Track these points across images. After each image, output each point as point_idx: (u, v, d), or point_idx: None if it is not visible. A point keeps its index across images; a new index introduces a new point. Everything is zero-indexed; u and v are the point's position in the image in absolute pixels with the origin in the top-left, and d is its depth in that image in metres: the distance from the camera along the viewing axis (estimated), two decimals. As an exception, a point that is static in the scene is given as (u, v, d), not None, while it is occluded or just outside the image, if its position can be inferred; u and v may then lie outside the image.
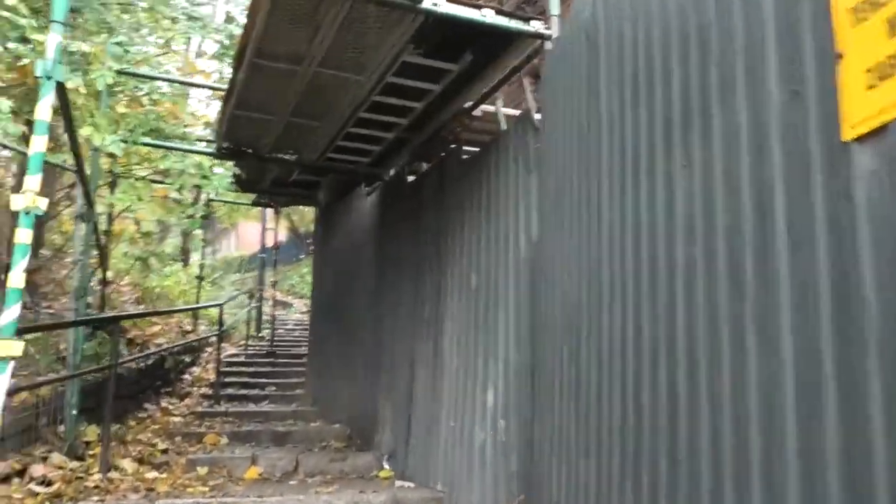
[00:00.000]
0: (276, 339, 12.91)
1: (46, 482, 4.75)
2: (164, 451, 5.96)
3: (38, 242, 8.01)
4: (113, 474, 5.07)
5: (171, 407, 7.93)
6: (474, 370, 4.53)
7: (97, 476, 4.96)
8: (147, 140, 6.29)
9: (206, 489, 5.07)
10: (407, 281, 5.76)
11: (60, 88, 3.59)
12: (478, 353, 4.51)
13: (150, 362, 7.94)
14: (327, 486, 5.20)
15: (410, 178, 6.11)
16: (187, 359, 9.16)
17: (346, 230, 7.77)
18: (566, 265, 3.52)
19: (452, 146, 5.56)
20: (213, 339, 12.44)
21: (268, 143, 6.16)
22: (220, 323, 8.90)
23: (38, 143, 3.10)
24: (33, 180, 3.06)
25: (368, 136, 5.94)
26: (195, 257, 38.70)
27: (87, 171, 5.72)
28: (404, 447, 5.46)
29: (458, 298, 4.81)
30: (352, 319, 7.19)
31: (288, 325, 17.17)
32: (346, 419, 7.12)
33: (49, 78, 3.13)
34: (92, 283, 9.09)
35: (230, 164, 8.74)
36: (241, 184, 8.88)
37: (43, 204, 3.05)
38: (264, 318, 14.58)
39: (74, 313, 5.65)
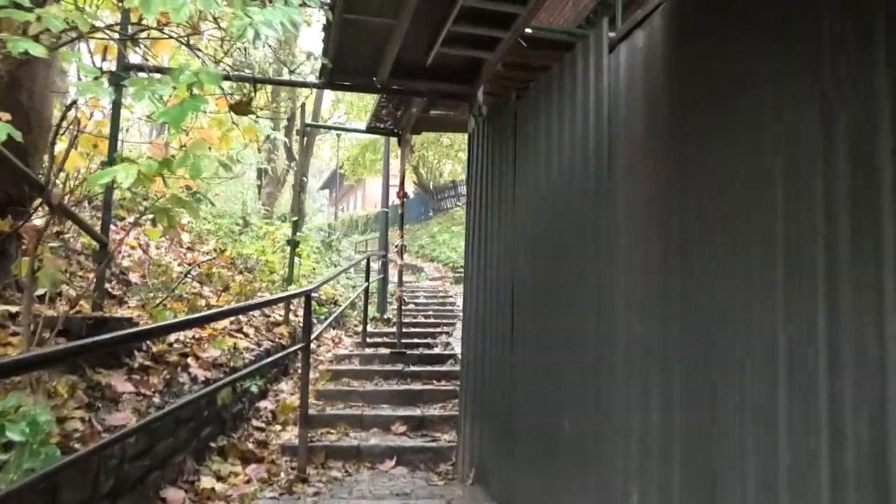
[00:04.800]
0: (405, 326, 9.04)
1: None
2: None
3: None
4: None
5: (217, 489, 4.21)
6: None
7: None
8: None
9: None
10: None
11: None
12: None
13: (182, 403, 4.22)
14: None
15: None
16: (254, 388, 5.36)
17: (549, 148, 3.61)
18: None
19: None
20: (327, 331, 8.84)
21: None
22: (308, 330, 4.95)
23: None
24: None
25: None
26: (320, 218, 35.99)
27: None
28: None
29: None
30: (572, 335, 3.08)
31: (419, 299, 13.44)
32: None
33: None
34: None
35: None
36: (339, 72, 4.95)
37: None
38: (391, 290, 10.87)
39: None
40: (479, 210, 4.85)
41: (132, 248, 7.94)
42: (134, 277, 6.72)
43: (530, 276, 3.75)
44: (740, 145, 2.01)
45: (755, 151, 1.93)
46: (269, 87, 15.01)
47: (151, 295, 6.45)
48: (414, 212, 31.36)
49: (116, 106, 4.52)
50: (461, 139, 25.61)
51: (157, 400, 4.07)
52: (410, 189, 32.80)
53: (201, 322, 4.50)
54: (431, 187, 32.39)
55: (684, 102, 2.34)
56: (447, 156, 30.31)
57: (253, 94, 4.42)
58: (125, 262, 7.16)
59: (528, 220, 3.83)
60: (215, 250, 9.54)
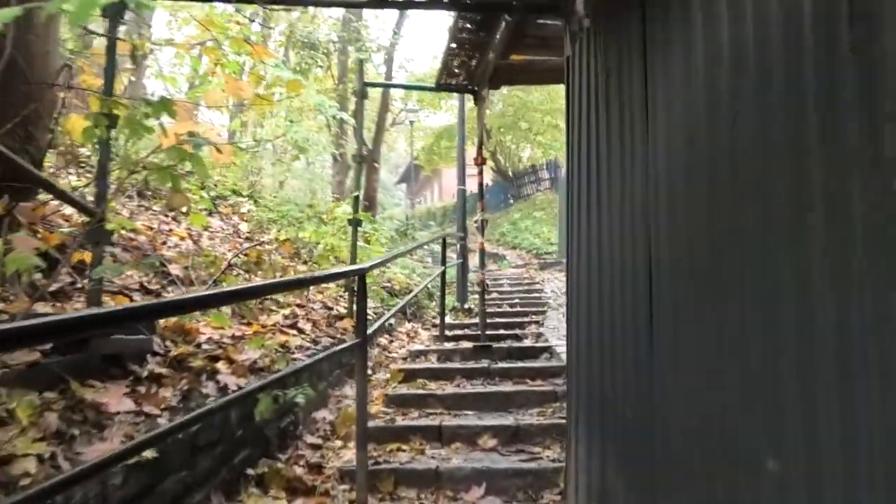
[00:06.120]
0: (489, 316, 7.83)
1: None
2: None
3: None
4: None
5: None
6: None
7: None
8: None
9: None
10: None
11: None
12: None
13: (215, 408, 3.14)
14: None
15: None
16: (300, 398, 4.25)
17: (717, 27, 2.34)
18: None
19: None
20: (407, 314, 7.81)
21: None
22: (363, 322, 3.77)
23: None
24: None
25: None
26: (397, 211, 35.24)
27: None
28: None
29: None
30: (778, 323, 1.83)
31: (503, 287, 12.23)
32: None
33: None
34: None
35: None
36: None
37: None
38: (471, 277, 9.72)
39: None
40: (585, 159, 3.60)
41: (181, 238, 7.14)
42: (176, 269, 5.85)
43: (683, 233, 2.48)
44: None
45: None
46: (334, 67, 14.11)
47: (195, 287, 5.58)
48: (493, 199, 30.09)
49: (112, 44, 3.52)
50: (539, 123, 24.05)
51: (163, 420, 3.05)
52: (488, 177, 31.54)
53: (194, 306, 3.16)
54: (511, 174, 31.02)
55: None
56: (525, 139, 28.86)
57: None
58: (168, 253, 6.32)
59: (678, 152, 2.56)
60: (276, 239, 8.65)
